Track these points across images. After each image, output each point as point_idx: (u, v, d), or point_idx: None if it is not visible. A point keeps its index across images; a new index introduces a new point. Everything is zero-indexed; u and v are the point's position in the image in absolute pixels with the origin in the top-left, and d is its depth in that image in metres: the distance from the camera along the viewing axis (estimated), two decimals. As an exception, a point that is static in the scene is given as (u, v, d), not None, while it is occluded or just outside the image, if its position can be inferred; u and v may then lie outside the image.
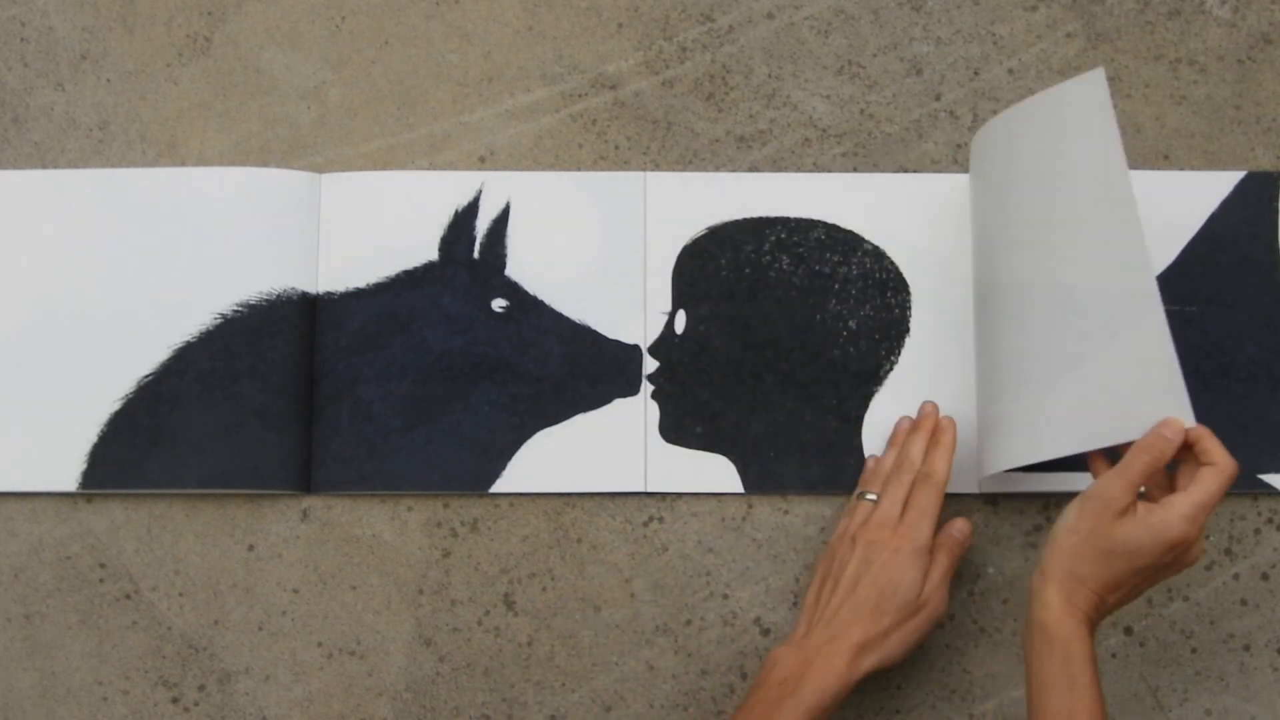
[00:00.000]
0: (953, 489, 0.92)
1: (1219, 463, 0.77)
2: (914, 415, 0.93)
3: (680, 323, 0.95)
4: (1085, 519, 0.78)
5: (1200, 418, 0.78)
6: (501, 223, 0.96)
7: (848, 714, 0.91)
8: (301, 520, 0.93)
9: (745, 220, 0.96)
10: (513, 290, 0.95)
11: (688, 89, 0.98)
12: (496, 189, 0.96)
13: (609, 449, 0.93)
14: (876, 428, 0.93)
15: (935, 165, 0.97)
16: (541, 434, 0.93)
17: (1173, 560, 0.78)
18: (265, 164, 0.97)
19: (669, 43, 0.98)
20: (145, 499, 0.93)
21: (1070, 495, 0.92)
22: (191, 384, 0.93)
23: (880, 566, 0.85)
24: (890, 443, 0.92)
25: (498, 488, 0.93)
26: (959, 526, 0.89)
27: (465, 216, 0.96)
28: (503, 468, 0.93)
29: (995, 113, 0.97)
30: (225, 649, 0.92)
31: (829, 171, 0.97)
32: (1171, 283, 0.94)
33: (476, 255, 0.95)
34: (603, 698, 0.92)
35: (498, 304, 0.94)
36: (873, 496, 0.89)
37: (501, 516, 0.93)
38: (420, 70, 0.98)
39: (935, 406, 0.92)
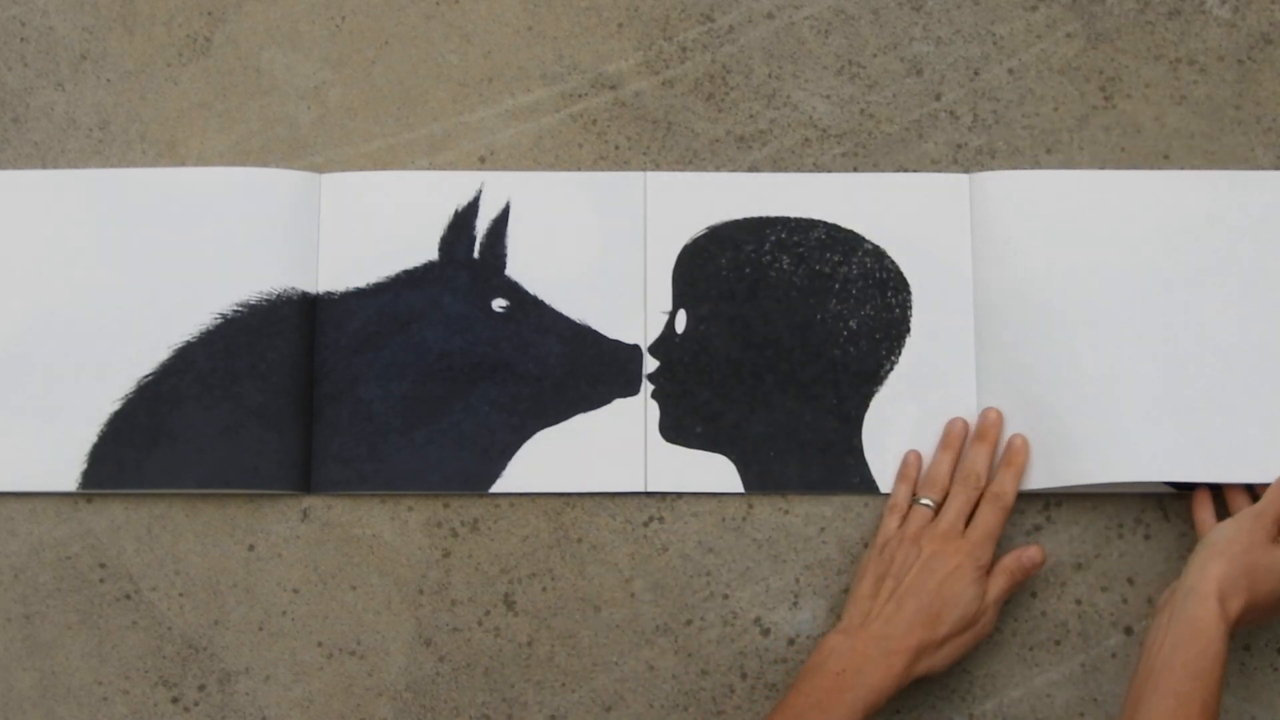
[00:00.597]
0: (953, 489, 0.93)
1: None
2: (916, 417, 0.93)
3: (680, 322, 0.95)
4: (1243, 536, 0.84)
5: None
6: (501, 223, 0.95)
7: (848, 714, 0.91)
8: (301, 520, 0.93)
9: (745, 220, 0.96)
10: (513, 290, 0.95)
11: (688, 89, 0.98)
12: (496, 189, 0.96)
13: (609, 449, 0.93)
14: (877, 428, 0.93)
15: (935, 165, 0.97)
16: (541, 434, 0.93)
17: None
18: (265, 164, 0.97)
19: (669, 43, 0.98)
20: (145, 499, 0.93)
21: (1070, 496, 0.92)
22: (191, 384, 0.93)
23: (945, 578, 0.86)
24: (943, 445, 0.92)
25: (498, 488, 0.93)
26: (1030, 554, 0.90)
27: (465, 216, 0.96)
28: (503, 468, 0.93)
29: (995, 113, 0.97)
30: (225, 649, 0.92)
31: (829, 171, 0.97)
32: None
33: (476, 255, 0.95)
34: (603, 698, 0.91)
35: (498, 304, 0.94)
36: (928, 502, 0.90)
37: (501, 516, 0.93)
38: (420, 70, 0.98)
39: (999, 415, 0.92)
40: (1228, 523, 0.86)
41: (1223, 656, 0.80)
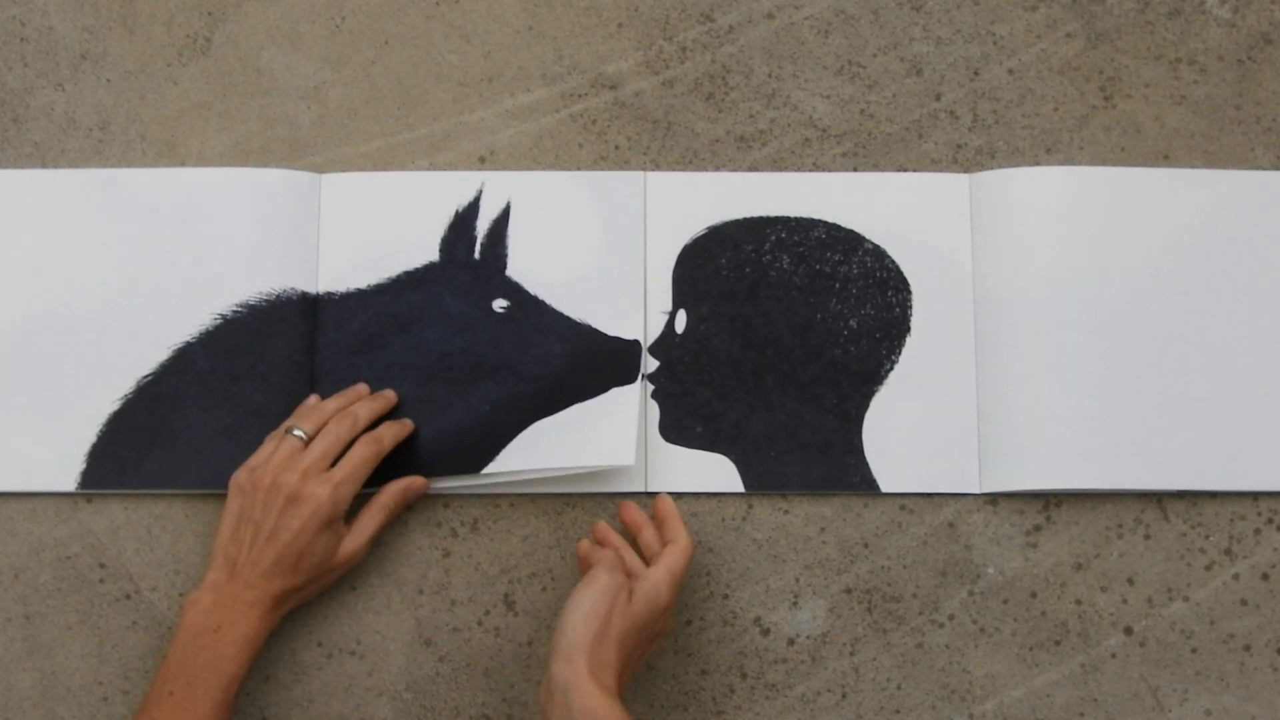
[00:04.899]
0: (953, 488, 0.93)
1: (681, 540, 0.86)
2: (917, 416, 0.93)
3: (681, 322, 0.95)
4: (603, 603, 0.80)
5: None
6: (502, 223, 0.95)
7: (848, 714, 0.91)
8: (301, 520, 0.93)
9: (745, 220, 0.96)
10: (514, 290, 0.95)
11: (688, 89, 0.98)
12: (497, 189, 0.96)
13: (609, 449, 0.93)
14: (877, 427, 0.93)
15: (935, 165, 0.97)
16: (537, 424, 0.93)
17: (659, 628, 0.84)
18: (265, 164, 0.97)
19: (669, 43, 0.98)
20: (145, 499, 0.93)
21: (1071, 496, 0.93)
22: (191, 384, 0.93)
23: (300, 526, 0.85)
24: (340, 394, 0.92)
25: (491, 468, 0.92)
26: (416, 486, 0.90)
27: (466, 217, 0.96)
28: (497, 453, 0.92)
29: (995, 113, 0.97)
30: (225, 649, 0.92)
31: (829, 171, 0.97)
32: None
33: (477, 256, 0.95)
34: (603, 698, 0.91)
35: (499, 304, 0.94)
36: (300, 434, 0.89)
37: (501, 516, 0.93)
38: (420, 70, 0.98)
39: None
40: (578, 598, 0.81)
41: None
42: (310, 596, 0.89)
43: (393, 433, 0.90)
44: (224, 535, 0.87)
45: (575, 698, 0.77)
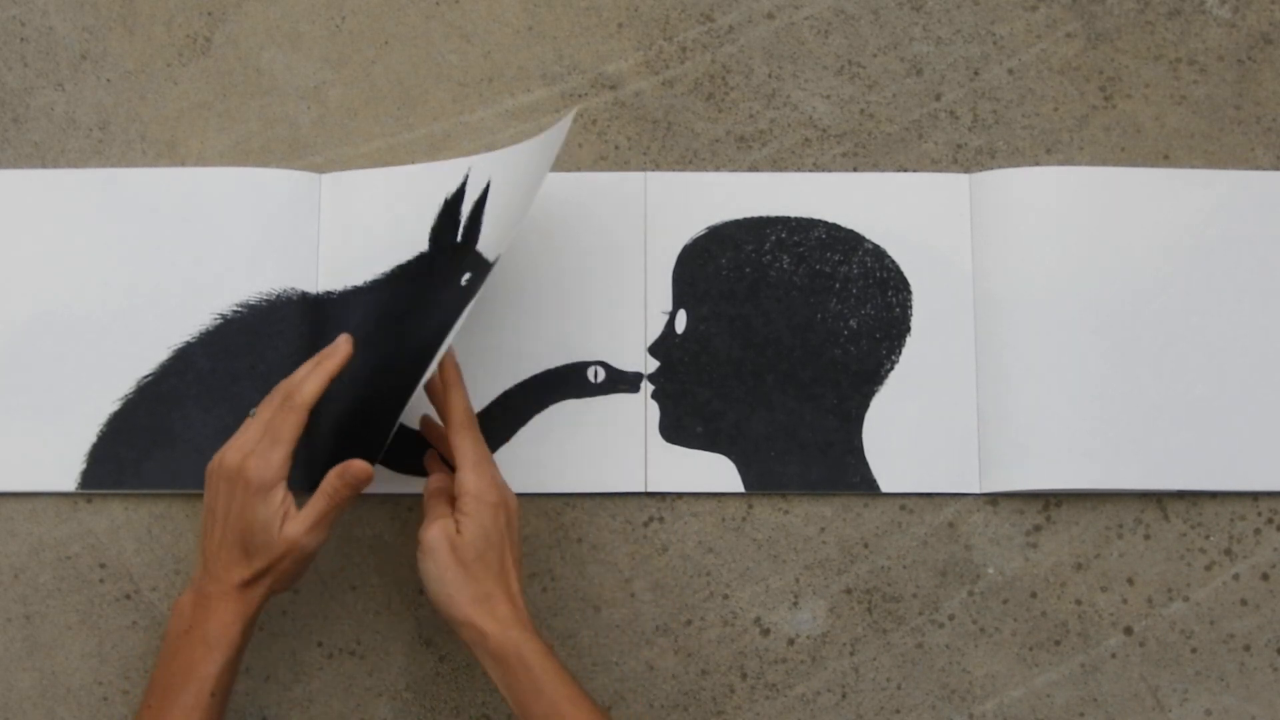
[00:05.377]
0: (953, 488, 0.93)
1: (454, 421, 0.84)
2: (917, 416, 0.93)
3: (681, 322, 0.95)
4: (436, 564, 0.81)
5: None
6: (480, 203, 0.94)
7: (848, 714, 0.91)
8: (301, 520, 0.93)
9: (745, 220, 0.96)
10: (476, 262, 0.92)
11: (688, 89, 0.98)
12: (481, 172, 0.94)
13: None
14: (877, 427, 0.93)
15: (935, 165, 0.97)
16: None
17: (498, 513, 0.82)
18: (265, 164, 0.97)
19: (669, 43, 0.98)
20: (145, 499, 0.93)
21: (1071, 496, 0.93)
22: (191, 384, 0.93)
23: (242, 507, 0.81)
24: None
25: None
26: (354, 470, 0.82)
27: (452, 204, 0.95)
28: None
29: (995, 113, 0.97)
30: (225, 649, 0.92)
31: (829, 171, 0.97)
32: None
33: (459, 239, 0.94)
34: (603, 698, 0.91)
35: (464, 278, 0.92)
36: (254, 411, 0.84)
37: (502, 516, 0.93)
38: (420, 70, 0.98)
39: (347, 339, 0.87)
40: (426, 563, 0.82)
41: (543, 650, 0.79)
42: (279, 587, 0.83)
43: (314, 383, 0.83)
44: (201, 531, 0.84)
45: (513, 652, 0.79)
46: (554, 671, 0.79)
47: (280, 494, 0.81)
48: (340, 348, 0.85)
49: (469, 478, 0.82)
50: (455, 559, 0.81)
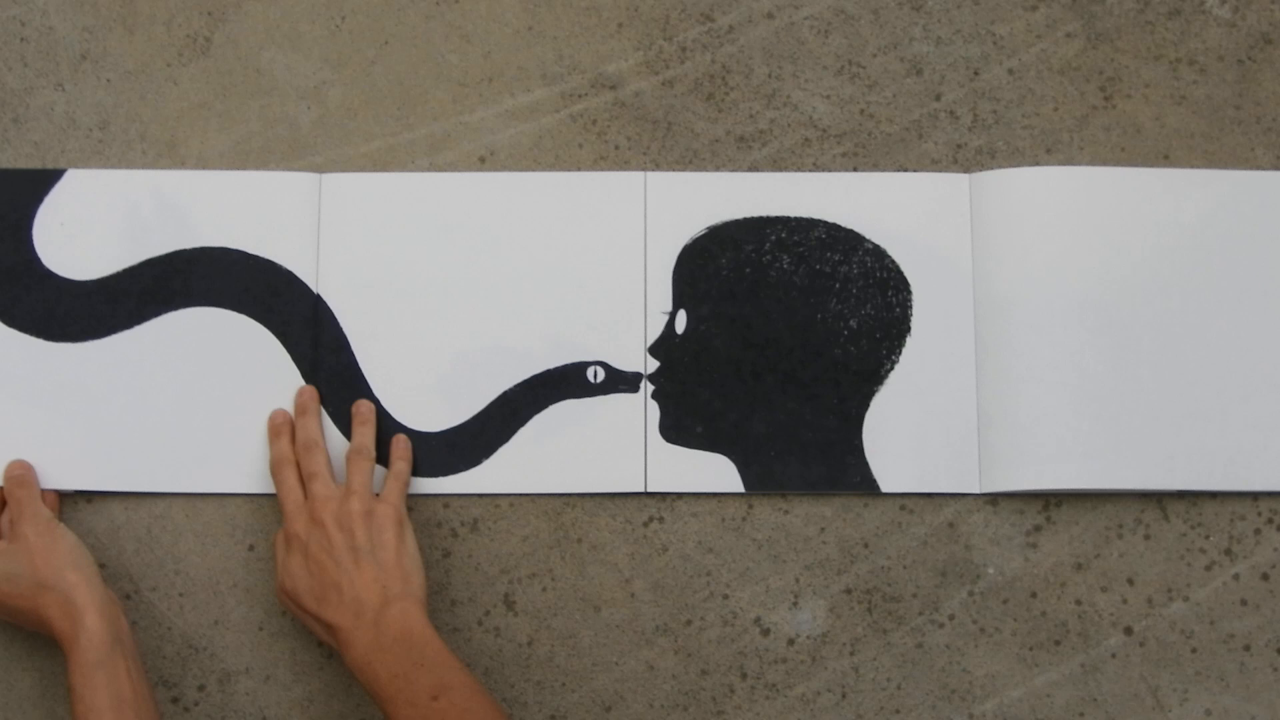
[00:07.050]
0: (953, 488, 0.93)
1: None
2: (917, 416, 0.93)
3: (681, 322, 0.95)
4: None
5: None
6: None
7: (848, 714, 0.91)
8: (301, 520, 0.93)
9: (745, 220, 0.96)
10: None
11: (688, 89, 0.98)
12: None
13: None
14: (877, 427, 0.93)
15: (935, 165, 0.97)
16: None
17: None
18: (265, 164, 0.97)
19: (669, 43, 0.99)
20: (145, 499, 0.93)
21: (1071, 496, 0.93)
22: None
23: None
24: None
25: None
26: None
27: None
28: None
29: (995, 113, 0.97)
30: (225, 649, 0.92)
31: (829, 171, 0.97)
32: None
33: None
34: (603, 698, 0.91)
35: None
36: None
37: (501, 516, 0.93)
38: (420, 70, 0.98)
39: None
40: (294, 563, 0.87)
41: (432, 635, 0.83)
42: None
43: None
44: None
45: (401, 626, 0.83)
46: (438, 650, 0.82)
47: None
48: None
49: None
50: (319, 571, 0.86)
